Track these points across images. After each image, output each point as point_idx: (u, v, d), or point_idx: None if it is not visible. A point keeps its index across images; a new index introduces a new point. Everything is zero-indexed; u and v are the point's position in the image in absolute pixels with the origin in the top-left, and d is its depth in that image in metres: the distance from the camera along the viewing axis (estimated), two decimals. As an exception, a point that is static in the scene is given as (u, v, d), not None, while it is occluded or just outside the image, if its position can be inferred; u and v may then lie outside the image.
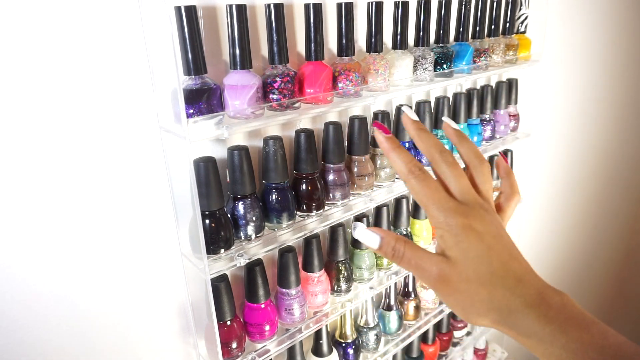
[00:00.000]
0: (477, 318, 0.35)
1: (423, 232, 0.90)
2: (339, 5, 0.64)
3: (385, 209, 0.82)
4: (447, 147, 0.40)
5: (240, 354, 0.66)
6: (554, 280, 1.44)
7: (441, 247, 0.36)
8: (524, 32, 1.01)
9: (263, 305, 0.67)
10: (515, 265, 0.34)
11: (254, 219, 0.61)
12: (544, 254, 1.66)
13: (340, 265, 0.76)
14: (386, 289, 0.92)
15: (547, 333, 0.31)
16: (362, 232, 0.39)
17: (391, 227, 0.85)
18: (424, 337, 1.09)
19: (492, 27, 0.92)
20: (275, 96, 0.60)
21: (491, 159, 1.06)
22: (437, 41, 0.83)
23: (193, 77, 0.54)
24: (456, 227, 0.35)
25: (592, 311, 0.35)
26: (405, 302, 0.96)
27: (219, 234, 0.58)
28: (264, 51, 0.65)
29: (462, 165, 0.40)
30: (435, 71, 0.81)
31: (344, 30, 0.65)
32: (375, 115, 0.75)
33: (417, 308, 0.98)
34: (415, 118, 0.40)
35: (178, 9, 0.50)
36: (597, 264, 2.05)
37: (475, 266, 0.34)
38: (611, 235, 2.05)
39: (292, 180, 0.69)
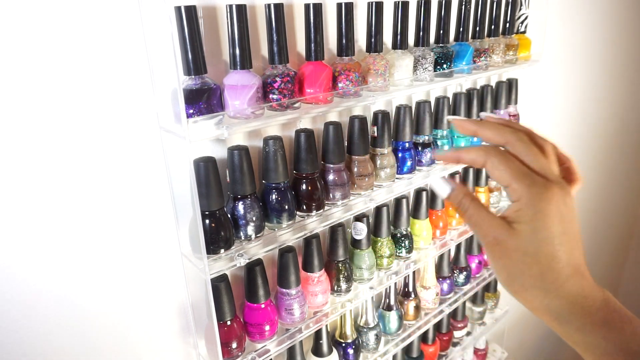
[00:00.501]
0: (519, 290, 0.35)
1: (423, 232, 0.90)
2: (339, 5, 0.64)
3: (385, 209, 0.82)
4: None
5: (240, 354, 0.66)
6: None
7: (511, 218, 0.36)
8: (524, 32, 1.01)
9: (263, 305, 0.67)
10: (577, 255, 0.35)
11: (254, 219, 0.61)
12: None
13: (340, 265, 0.76)
14: (386, 289, 0.92)
15: (588, 323, 0.33)
16: (436, 181, 0.39)
17: (391, 227, 0.85)
18: (424, 337, 1.09)
19: (492, 27, 0.92)
20: (275, 96, 0.60)
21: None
22: (437, 41, 0.83)
23: (193, 77, 0.54)
24: (539, 202, 0.34)
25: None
26: (405, 302, 0.96)
27: (219, 234, 0.58)
28: (264, 51, 0.65)
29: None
30: (435, 71, 0.81)
31: (344, 30, 0.65)
32: (375, 115, 0.75)
33: (417, 308, 0.98)
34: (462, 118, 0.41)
35: (178, 9, 0.50)
36: (597, 263, 2.05)
37: (541, 244, 0.34)
38: (611, 235, 2.05)
39: (292, 180, 0.69)
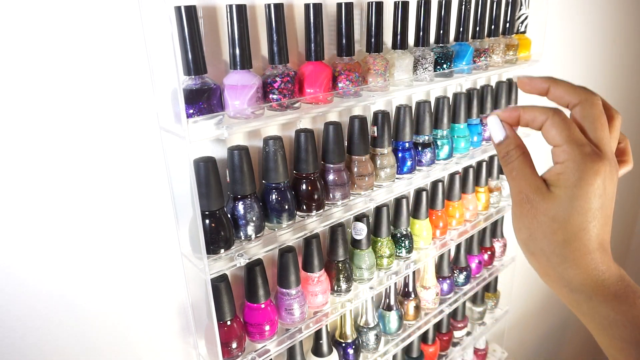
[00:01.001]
0: (536, 252, 0.35)
1: (423, 232, 0.90)
2: (339, 5, 0.64)
3: (385, 209, 0.82)
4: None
5: (240, 354, 0.66)
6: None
7: (551, 179, 0.35)
8: (524, 32, 1.01)
9: (263, 305, 0.67)
10: (606, 231, 0.34)
11: (254, 219, 0.61)
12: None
13: (340, 265, 0.76)
14: (386, 289, 0.92)
15: (600, 294, 0.32)
16: (494, 121, 0.39)
17: (391, 227, 0.85)
18: (424, 337, 1.09)
19: (492, 27, 0.92)
20: (275, 96, 0.60)
21: (491, 158, 1.06)
22: (437, 41, 0.83)
23: (193, 77, 0.54)
24: (586, 171, 0.33)
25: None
26: (405, 302, 0.96)
27: (219, 234, 0.58)
28: (264, 51, 0.65)
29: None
30: (435, 71, 0.81)
31: (344, 30, 0.65)
32: (375, 115, 0.75)
33: (417, 308, 0.98)
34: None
35: (178, 9, 0.50)
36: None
37: (573, 213, 0.33)
38: (611, 234, 2.05)
39: (292, 180, 0.69)
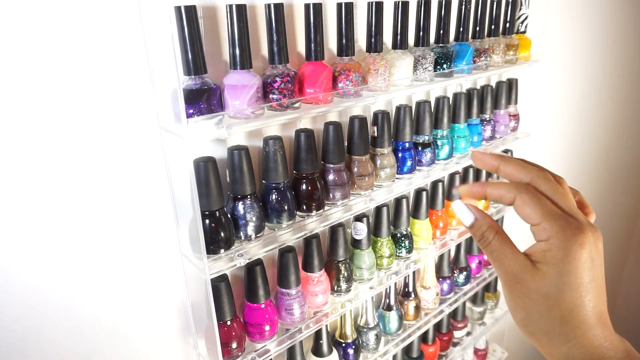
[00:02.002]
0: (535, 332, 0.34)
1: (423, 232, 0.90)
2: (339, 5, 0.64)
3: (385, 209, 0.82)
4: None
5: (240, 354, 0.66)
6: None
7: (536, 257, 0.34)
8: (524, 32, 1.01)
9: (263, 305, 0.67)
10: (601, 303, 0.33)
11: (254, 219, 0.61)
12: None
13: (340, 265, 0.76)
14: (386, 289, 0.92)
15: None
16: (460, 207, 0.38)
17: (391, 227, 0.85)
18: (424, 337, 1.09)
19: (492, 27, 0.92)
20: (275, 96, 0.60)
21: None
22: (437, 41, 0.83)
23: (193, 77, 0.54)
24: (572, 245, 0.32)
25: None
26: (405, 302, 0.96)
27: (219, 234, 0.58)
28: (264, 51, 0.65)
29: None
30: (435, 71, 0.81)
31: (344, 30, 0.65)
32: (375, 115, 0.75)
33: (417, 308, 0.98)
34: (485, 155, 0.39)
35: (178, 9, 0.50)
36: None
37: (565, 290, 0.32)
38: (611, 235, 2.05)
39: (292, 180, 0.69)
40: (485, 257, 1.15)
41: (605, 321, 0.33)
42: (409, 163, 0.80)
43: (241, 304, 0.70)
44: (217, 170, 0.58)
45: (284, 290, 0.70)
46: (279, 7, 0.58)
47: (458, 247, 1.08)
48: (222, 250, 0.59)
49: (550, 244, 0.33)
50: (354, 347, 0.85)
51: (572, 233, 0.32)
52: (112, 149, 0.56)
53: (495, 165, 0.38)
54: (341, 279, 0.77)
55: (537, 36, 1.05)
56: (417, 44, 0.79)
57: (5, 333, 0.53)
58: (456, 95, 0.89)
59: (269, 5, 0.57)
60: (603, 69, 1.58)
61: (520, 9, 0.98)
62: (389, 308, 0.93)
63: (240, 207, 0.61)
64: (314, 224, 0.68)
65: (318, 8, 0.61)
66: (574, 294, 0.32)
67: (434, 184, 0.92)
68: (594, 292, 0.33)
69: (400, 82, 0.75)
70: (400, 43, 0.74)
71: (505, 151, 1.10)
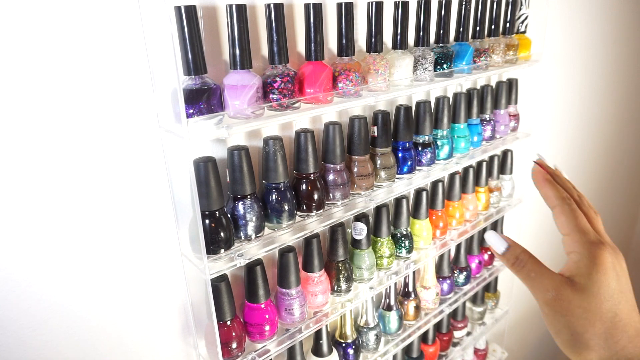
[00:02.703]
0: (582, 350, 0.35)
1: (423, 232, 0.90)
2: (339, 5, 0.64)
3: (385, 209, 0.82)
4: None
5: (240, 354, 0.66)
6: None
7: (570, 271, 0.37)
8: (524, 32, 1.01)
9: (263, 305, 0.67)
10: (636, 317, 0.35)
11: (254, 219, 0.61)
12: (544, 254, 1.66)
13: (340, 265, 0.76)
14: (386, 289, 0.92)
15: None
16: (492, 236, 0.41)
17: (391, 227, 0.85)
18: (424, 337, 1.09)
19: (492, 27, 0.92)
20: (275, 96, 0.60)
21: (492, 158, 1.06)
22: (437, 41, 0.83)
23: (193, 77, 0.54)
24: (596, 258, 0.35)
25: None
26: (405, 302, 0.96)
27: (219, 234, 0.58)
28: (264, 51, 0.65)
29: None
30: (435, 71, 0.81)
31: (344, 30, 0.65)
32: (375, 115, 0.75)
33: (417, 308, 0.98)
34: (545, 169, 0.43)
35: (178, 9, 0.50)
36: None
37: (602, 300, 0.34)
38: (611, 235, 2.05)
39: (292, 180, 0.69)
40: (486, 257, 1.15)
41: None
42: (409, 163, 0.80)
43: (241, 304, 0.70)
44: (217, 170, 0.58)
45: (284, 290, 0.70)
46: (279, 7, 0.58)
47: (458, 247, 1.08)
48: (222, 250, 0.59)
49: (579, 254, 0.36)
50: (354, 347, 0.85)
51: (598, 247, 0.36)
52: (112, 149, 0.56)
53: (545, 181, 0.42)
54: (341, 279, 0.77)
55: (537, 36, 1.05)
56: (417, 44, 0.79)
57: (5, 333, 0.53)
58: (456, 95, 0.89)
59: (269, 5, 0.57)
60: (603, 69, 1.58)
61: (520, 9, 0.98)
62: (389, 308, 0.93)
63: (240, 207, 0.61)
64: (314, 224, 0.68)
65: (318, 8, 0.61)
66: (610, 304, 0.34)
67: (434, 184, 0.92)
68: (625, 303, 0.35)
69: (400, 82, 0.75)
70: (400, 43, 0.74)
71: (505, 152, 1.10)
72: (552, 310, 0.36)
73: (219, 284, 0.62)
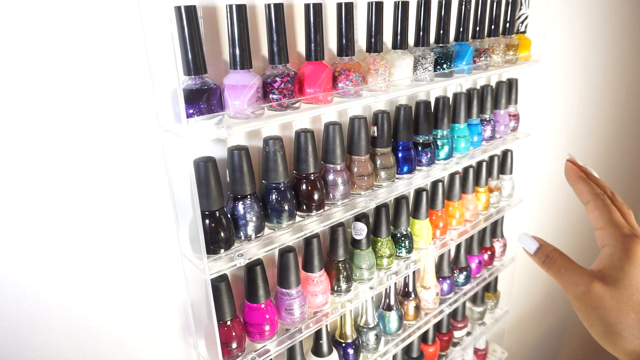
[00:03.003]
0: (616, 341, 0.36)
1: (423, 232, 0.90)
2: (339, 5, 0.64)
3: (385, 209, 0.82)
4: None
5: (240, 354, 0.66)
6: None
7: (603, 263, 0.38)
8: (524, 32, 1.01)
9: (263, 305, 0.67)
10: None
11: (253, 219, 0.61)
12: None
13: (340, 265, 0.76)
14: (386, 289, 0.92)
15: None
16: (525, 237, 0.43)
17: (391, 227, 0.85)
18: (424, 337, 1.09)
19: (492, 27, 0.92)
20: (275, 96, 0.60)
21: (491, 158, 1.06)
22: (437, 41, 0.83)
23: (193, 77, 0.54)
24: (629, 250, 0.36)
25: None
26: (405, 302, 0.96)
27: (219, 234, 0.58)
28: (264, 51, 0.65)
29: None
30: (435, 71, 0.81)
31: (344, 30, 0.65)
32: (375, 115, 0.75)
33: (417, 308, 0.98)
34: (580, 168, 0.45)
35: (178, 9, 0.50)
36: (597, 264, 2.04)
37: (634, 292, 0.35)
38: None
39: (292, 180, 0.69)
40: (485, 258, 1.15)
41: None
42: (409, 163, 0.80)
43: (241, 304, 0.70)
44: (217, 170, 0.58)
45: (284, 290, 0.70)
46: (279, 7, 0.58)
47: (458, 247, 1.08)
48: (222, 250, 0.59)
49: (613, 247, 0.37)
50: (354, 347, 0.85)
51: (632, 239, 0.37)
52: (112, 149, 0.56)
53: (579, 178, 0.44)
54: (341, 279, 0.77)
55: (537, 36, 1.05)
56: (417, 44, 0.79)
57: (4, 333, 0.53)
58: (456, 95, 0.89)
59: (269, 5, 0.57)
60: (603, 69, 1.58)
61: (520, 9, 0.98)
62: (389, 308, 0.93)
63: (240, 207, 0.61)
64: (314, 224, 0.68)
65: (318, 8, 0.61)
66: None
67: (434, 184, 0.92)
68: None
69: (400, 82, 0.75)
70: (400, 43, 0.74)
71: (505, 152, 1.10)
72: (584, 304, 0.37)
73: (219, 284, 0.62)
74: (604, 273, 0.37)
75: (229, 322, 0.64)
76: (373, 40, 0.70)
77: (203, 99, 0.54)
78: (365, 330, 0.89)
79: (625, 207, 0.41)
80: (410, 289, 0.97)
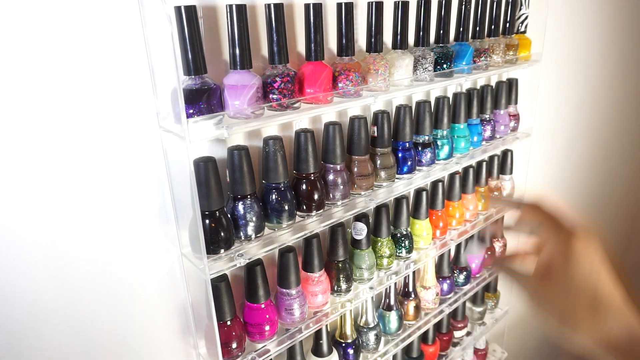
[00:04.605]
0: (576, 325, 0.39)
1: (423, 232, 0.90)
2: (339, 5, 0.64)
3: (385, 209, 0.82)
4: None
5: (240, 354, 0.66)
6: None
7: (546, 257, 0.42)
8: (524, 32, 1.01)
9: (263, 305, 0.67)
10: (617, 297, 0.38)
11: (254, 219, 0.61)
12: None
13: (340, 265, 0.76)
14: (386, 289, 0.92)
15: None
16: (473, 248, 0.48)
17: (391, 227, 0.85)
18: (424, 337, 1.09)
19: (492, 27, 0.92)
20: (275, 96, 0.60)
21: (491, 158, 1.06)
22: (437, 41, 0.83)
23: (193, 77, 0.54)
24: (568, 240, 0.39)
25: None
26: (405, 302, 0.96)
27: (218, 234, 0.58)
28: (264, 51, 0.65)
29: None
30: (435, 71, 0.81)
31: (344, 30, 0.65)
32: (375, 115, 0.75)
33: (417, 308, 0.98)
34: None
35: (178, 9, 0.50)
36: (597, 264, 2.04)
37: (581, 277, 0.38)
38: (611, 235, 2.05)
39: (292, 180, 0.69)
40: (486, 257, 1.14)
41: (631, 307, 0.37)
42: (409, 163, 0.80)
43: (241, 304, 0.70)
44: (217, 170, 0.58)
45: (284, 290, 0.70)
46: (279, 7, 0.58)
47: (458, 247, 1.08)
48: (222, 250, 0.59)
49: (553, 242, 0.39)
50: (354, 347, 0.85)
51: (567, 229, 0.39)
52: (113, 149, 0.56)
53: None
54: (341, 279, 0.77)
55: (537, 36, 1.05)
56: (417, 44, 0.79)
57: (4, 333, 0.53)
58: (456, 95, 0.89)
59: (269, 5, 0.57)
60: (603, 69, 1.58)
61: (520, 9, 0.98)
62: (389, 308, 0.93)
63: (240, 207, 0.61)
64: (314, 224, 0.68)
65: (318, 8, 0.61)
66: (590, 279, 0.37)
67: (434, 184, 0.92)
68: (605, 279, 0.37)
69: (400, 82, 0.75)
70: (400, 43, 0.74)
71: (505, 152, 1.10)
72: (536, 299, 0.41)
73: (219, 284, 0.62)
74: (551, 268, 0.40)
75: (229, 322, 0.64)
76: (373, 40, 0.70)
77: (203, 99, 0.54)
78: (365, 330, 0.89)
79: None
80: (410, 289, 0.97)
